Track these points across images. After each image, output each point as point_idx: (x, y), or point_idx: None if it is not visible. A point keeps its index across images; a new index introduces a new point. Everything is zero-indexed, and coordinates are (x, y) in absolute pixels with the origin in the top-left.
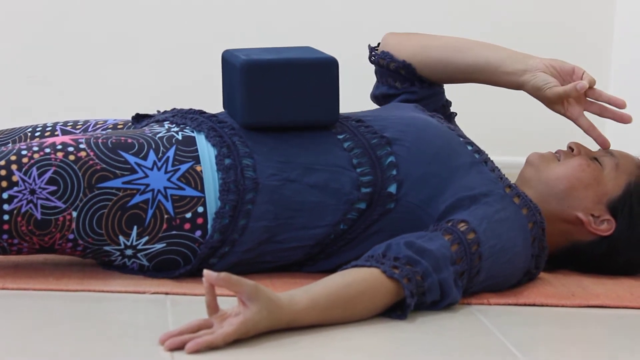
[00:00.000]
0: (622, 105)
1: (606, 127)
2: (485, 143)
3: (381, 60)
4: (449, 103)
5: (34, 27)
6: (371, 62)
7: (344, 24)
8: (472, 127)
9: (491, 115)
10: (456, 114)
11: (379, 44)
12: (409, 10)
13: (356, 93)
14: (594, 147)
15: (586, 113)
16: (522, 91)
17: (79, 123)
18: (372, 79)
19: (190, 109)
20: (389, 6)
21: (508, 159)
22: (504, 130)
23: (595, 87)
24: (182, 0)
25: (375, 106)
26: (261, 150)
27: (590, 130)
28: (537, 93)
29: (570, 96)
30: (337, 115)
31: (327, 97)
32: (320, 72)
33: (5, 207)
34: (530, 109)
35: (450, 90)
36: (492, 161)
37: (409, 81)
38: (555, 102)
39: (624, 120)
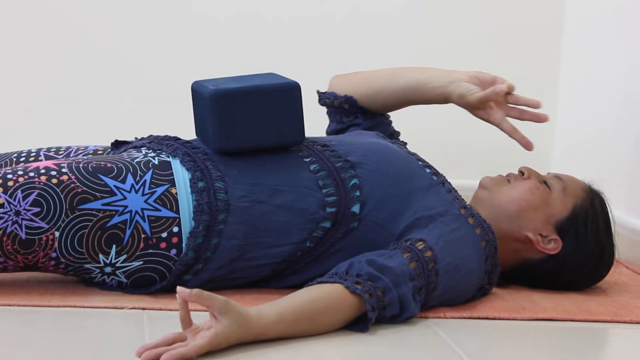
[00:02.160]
0: (537, 106)
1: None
2: (439, 167)
3: (327, 99)
4: (396, 133)
5: (15, 55)
6: (321, 104)
7: (313, 51)
8: (425, 153)
9: (444, 141)
10: (406, 143)
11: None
12: (377, 36)
13: (324, 118)
14: (542, 170)
15: (513, 120)
16: (470, 118)
17: (61, 149)
18: None
19: (166, 136)
20: (356, 34)
21: (461, 182)
22: (457, 155)
23: (514, 92)
24: (160, 38)
25: None
26: (232, 173)
27: (512, 133)
28: (461, 101)
29: (490, 99)
30: (303, 136)
31: (292, 119)
32: (284, 96)
33: None
34: (482, 137)
35: (407, 118)
36: (449, 183)
37: (353, 114)
38: (478, 108)
39: (541, 119)
